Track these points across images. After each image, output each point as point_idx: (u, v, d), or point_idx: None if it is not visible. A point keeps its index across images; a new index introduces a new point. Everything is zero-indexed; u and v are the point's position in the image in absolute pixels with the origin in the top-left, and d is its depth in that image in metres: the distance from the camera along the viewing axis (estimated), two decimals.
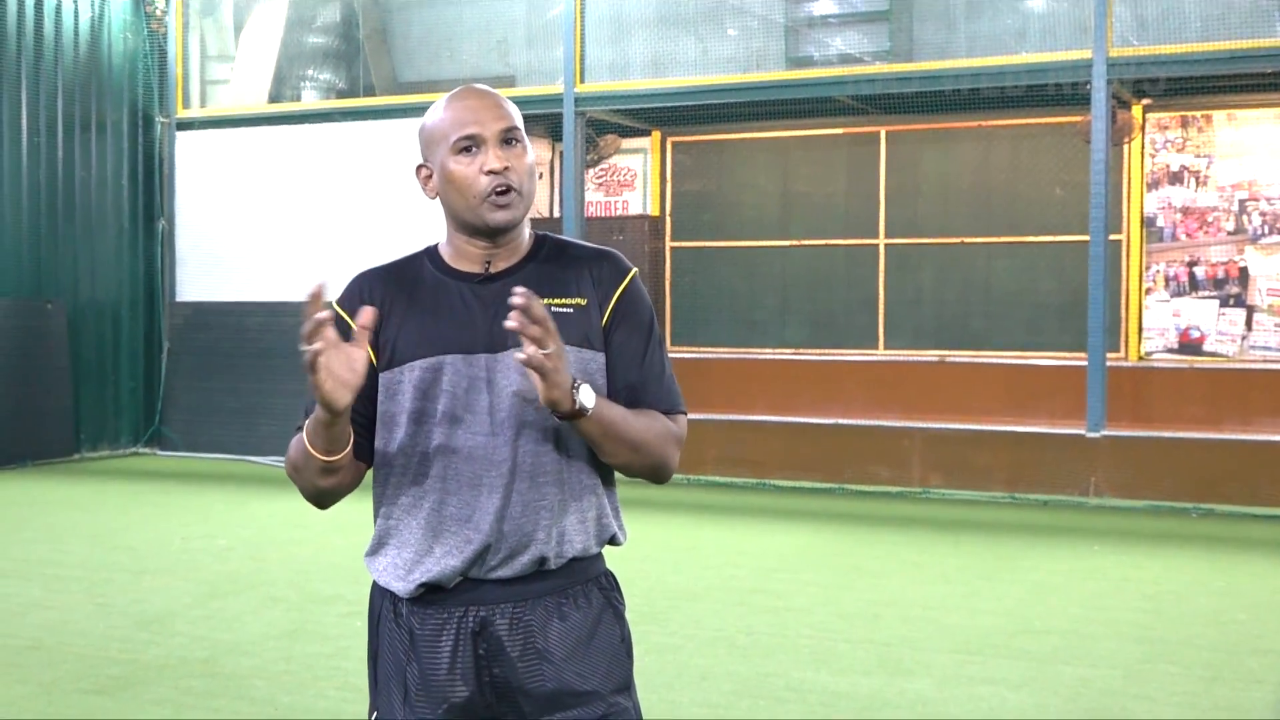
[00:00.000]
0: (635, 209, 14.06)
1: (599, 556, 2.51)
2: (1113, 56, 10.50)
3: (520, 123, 2.42)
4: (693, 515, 10.12)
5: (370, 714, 2.50)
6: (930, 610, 7.02)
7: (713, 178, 13.84)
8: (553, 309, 2.35)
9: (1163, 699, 5.49)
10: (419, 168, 2.46)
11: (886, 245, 13.00)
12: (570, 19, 12.22)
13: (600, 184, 14.14)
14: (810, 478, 11.59)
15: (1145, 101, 11.91)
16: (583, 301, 2.41)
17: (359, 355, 2.23)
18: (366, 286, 2.45)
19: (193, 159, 14.12)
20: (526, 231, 2.48)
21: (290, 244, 13.51)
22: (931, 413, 11.82)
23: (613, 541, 2.51)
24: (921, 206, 12.95)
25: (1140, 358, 12.06)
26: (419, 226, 12.89)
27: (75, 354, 13.38)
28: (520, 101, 14.08)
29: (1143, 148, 12.07)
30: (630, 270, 2.49)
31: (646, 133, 13.83)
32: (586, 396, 2.27)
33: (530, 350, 2.15)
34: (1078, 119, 11.47)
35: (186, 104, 14.27)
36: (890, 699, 5.46)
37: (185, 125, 14.17)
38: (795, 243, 13.37)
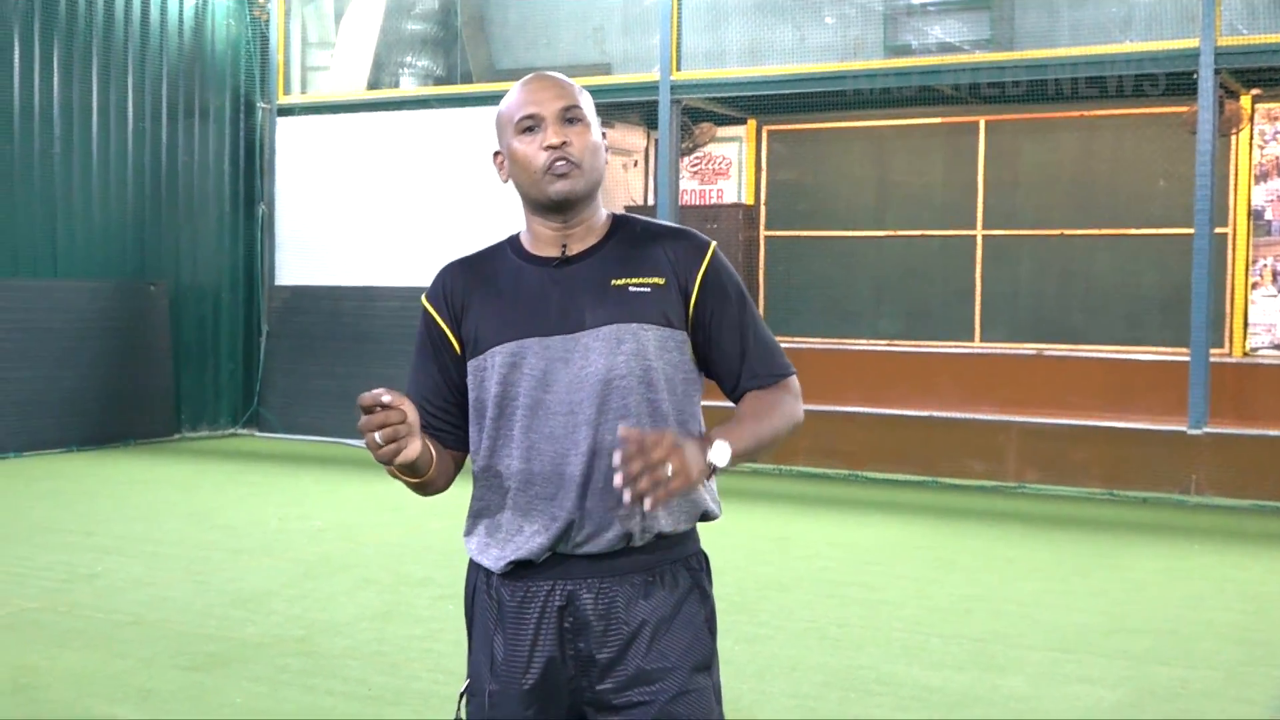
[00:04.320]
0: (730, 198, 14.01)
1: (690, 535, 2.53)
2: (1221, 45, 10.26)
3: (582, 102, 2.48)
4: (784, 506, 10.08)
5: (466, 679, 2.58)
6: (1024, 606, 6.93)
7: (808, 167, 13.75)
8: (630, 289, 2.43)
9: (1264, 702, 5.36)
10: (495, 155, 2.55)
11: (984, 236, 12.83)
12: (667, 6, 12.18)
13: (695, 172, 14.11)
14: (903, 470, 11.49)
15: (1255, 91, 11.63)
16: (660, 281, 2.45)
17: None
18: (449, 279, 2.56)
19: (293, 145, 14.30)
20: (602, 213, 2.53)
21: (387, 229, 13.64)
22: (1028, 407, 11.65)
23: (706, 517, 2.54)
24: (1020, 198, 12.76)
25: (1245, 354, 11.79)
26: (513, 213, 12.95)
27: (177, 336, 13.64)
28: (616, 89, 13.94)
29: (1251, 139, 11.79)
30: (709, 245, 2.53)
31: (742, 121, 13.76)
32: (719, 457, 2.32)
33: (658, 493, 2.18)
34: (1183, 109, 11.23)
35: (287, 90, 14.46)
36: (983, 695, 5.40)
37: (286, 111, 14.36)
38: (891, 233, 13.24)
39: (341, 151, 13.99)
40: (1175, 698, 5.41)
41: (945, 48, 12.20)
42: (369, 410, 2.20)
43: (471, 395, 2.50)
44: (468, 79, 14.46)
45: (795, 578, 7.55)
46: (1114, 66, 10.73)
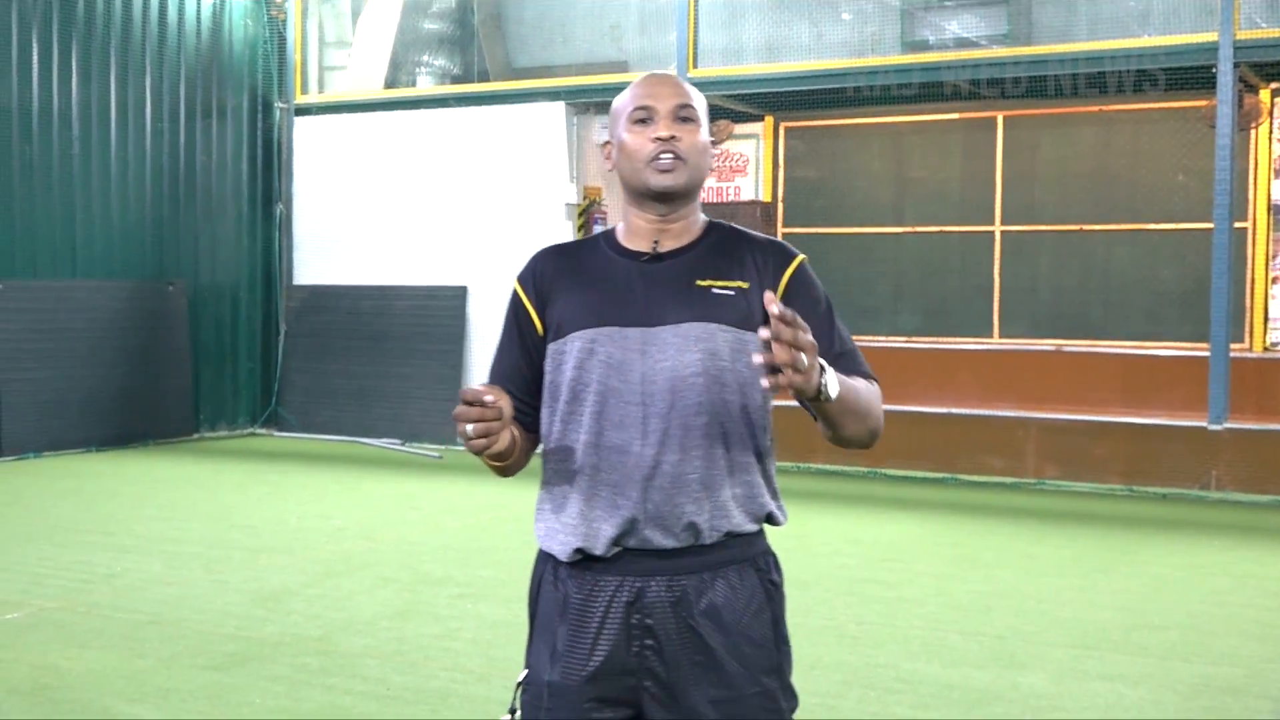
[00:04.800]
0: (747, 195, 13.98)
1: (758, 535, 2.57)
2: (1240, 39, 10.21)
3: (696, 103, 2.55)
4: (803, 503, 10.05)
5: (524, 670, 2.59)
6: (1044, 603, 6.90)
7: (826, 163, 13.71)
8: (714, 290, 2.48)
9: None
10: (604, 144, 2.62)
11: (1002, 232, 12.78)
12: (683, 3, 12.16)
13: (712, 169, 14.07)
14: (922, 467, 11.46)
15: (1274, 85, 11.57)
16: (744, 285, 2.49)
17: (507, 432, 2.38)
18: (541, 263, 2.62)
19: (310, 144, 14.33)
20: (700, 217, 2.59)
21: (405, 228, 13.66)
22: (1047, 403, 11.60)
23: (770, 520, 2.57)
24: (1039, 193, 12.71)
25: (1265, 349, 11.73)
26: (532, 211, 12.97)
27: (195, 335, 13.67)
28: None
29: (1270, 132, 11.73)
30: (796, 255, 2.57)
31: (759, 118, 13.73)
32: (832, 385, 2.30)
33: (783, 378, 2.16)
34: (1202, 103, 11.17)
35: (305, 90, 14.48)
36: (1003, 693, 5.38)
37: (303, 111, 14.38)
38: (909, 229, 13.20)
39: (359, 151, 14.02)
40: (1197, 694, 5.38)
41: (962, 43, 12.16)
42: (470, 404, 2.26)
43: (547, 378, 2.54)
44: (485, 77, 14.47)
45: (814, 575, 7.53)
46: (1132, 61, 10.67)
